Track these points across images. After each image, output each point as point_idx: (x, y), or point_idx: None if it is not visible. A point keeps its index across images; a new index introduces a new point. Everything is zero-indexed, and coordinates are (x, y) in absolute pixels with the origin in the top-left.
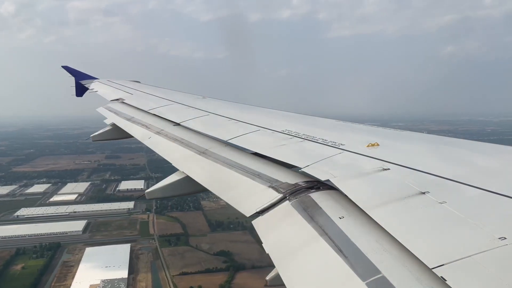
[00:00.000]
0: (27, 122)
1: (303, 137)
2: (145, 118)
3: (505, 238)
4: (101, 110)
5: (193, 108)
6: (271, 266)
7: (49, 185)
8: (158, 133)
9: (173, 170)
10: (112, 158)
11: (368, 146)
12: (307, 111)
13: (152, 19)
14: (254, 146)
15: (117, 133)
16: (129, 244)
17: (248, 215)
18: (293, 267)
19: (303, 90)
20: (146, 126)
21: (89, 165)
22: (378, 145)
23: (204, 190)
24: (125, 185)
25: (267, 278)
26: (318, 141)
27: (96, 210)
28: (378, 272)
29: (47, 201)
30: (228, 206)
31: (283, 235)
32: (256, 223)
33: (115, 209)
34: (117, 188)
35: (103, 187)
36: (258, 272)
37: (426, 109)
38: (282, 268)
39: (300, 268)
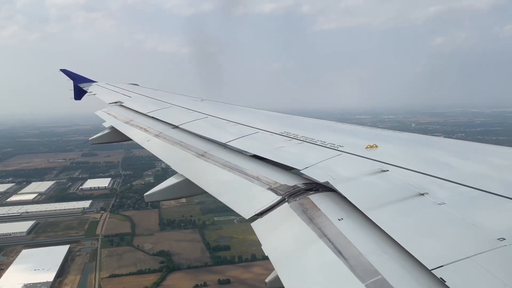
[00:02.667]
0: (18, 121)
1: (301, 139)
2: (143, 121)
3: (504, 239)
4: (100, 113)
5: (191, 111)
6: (208, 266)
7: (12, 184)
8: (157, 135)
9: (145, 167)
10: (89, 156)
11: (366, 147)
12: (300, 105)
13: (135, 14)
14: (252, 148)
15: (116, 136)
16: (68, 246)
17: (247, 217)
18: (293, 269)
19: (296, 84)
20: (145, 129)
21: (62, 163)
22: (376, 146)
23: (203, 192)
24: (90, 183)
25: (267, 280)
26: (316, 143)
27: (50, 210)
28: (378, 273)
29: (4, 201)
30: (186, 204)
31: (282, 237)
32: (255, 225)
33: (69, 209)
34: (80, 187)
35: (68, 185)
36: (192, 272)
37: (419, 101)
38: (282, 270)
39: (299, 270)
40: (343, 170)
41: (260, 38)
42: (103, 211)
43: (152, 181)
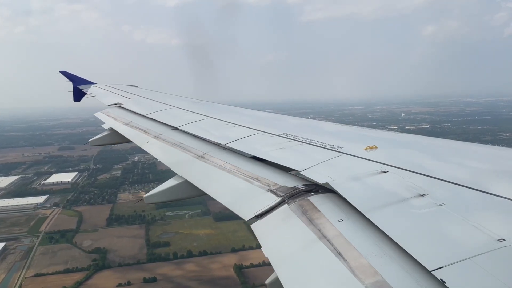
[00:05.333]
0: (9, 115)
1: (301, 140)
2: (143, 123)
3: (503, 240)
4: (99, 115)
5: (191, 112)
6: (140, 263)
7: None
8: (156, 137)
9: (117, 161)
10: (66, 149)
11: (366, 149)
12: (295, 97)
13: (118, 6)
14: (252, 149)
15: (115, 137)
16: (4, 243)
17: (247, 219)
18: (292, 270)
19: (290, 76)
20: (144, 131)
21: (35, 157)
22: (376, 147)
23: (203, 194)
24: (54, 178)
25: (266, 282)
26: (316, 144)
27: (1, 206)
28: (378, 275)
29: None
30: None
31: (282, 239)
32: (255, 227)
33: (22, 205)
34: (43, 182)
35: (32, 180)
36: (122, 270)
37: (414, 91)
38: (281, 272)
39: (299, 271)
40: (342, 171)
41: (250, 29)
42: (55, 207)
43: (119, 175)
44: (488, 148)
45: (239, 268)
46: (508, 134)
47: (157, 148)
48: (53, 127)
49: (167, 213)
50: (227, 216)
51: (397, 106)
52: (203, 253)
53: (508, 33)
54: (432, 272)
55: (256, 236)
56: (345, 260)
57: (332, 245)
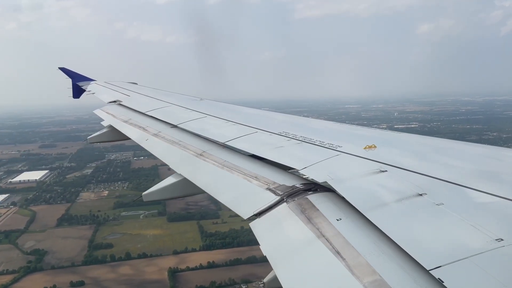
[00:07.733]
0: (5, 112)
1: (300, 139)
2: (142, 120)
3: (502, 240)
4: (98, 112)
5: (190, 110)
6: (75, 266)
7: None
8: (155, 135)
9: (93, 159)
10: (47, 147)
11: (365, 148)
12: (293, 97)
13: (108, 2)
14: (251, 148)
15: (114, 135)
16: None
17: (245, 217)
18: (291, 269)
19: (287, 75)
20: (143, 128)
21: (12, 155)
22: (375, 147)
23: (202, 192)
24: (23, 176)
25: (265, 280)
26: (315, 143)
27: None
28: (376, 274)
29: None
30: (105, 198)
31: (281, 237)
32: (254, 226)
33: None
34: (10, 180)
35: (1, 179)
36: (54, 273)
37: (413, 90)
38: (280, 270)
39: (297, 270)
40: (341, 170)
41: (246, 27)
42: (12, 206)
43: (89, 173)
44: (488, 148)
45: (173, 272)
46: (494, 134)
47: (156, 146)
48: (44, 124)
49: (123, 213)
50: (181, 216)
51: (393, 105)
52: (143, 256)
53: (505, 31)
54: (430, 272)
55: (255, 235)
56: (343, 259)
57: (331, 244)
